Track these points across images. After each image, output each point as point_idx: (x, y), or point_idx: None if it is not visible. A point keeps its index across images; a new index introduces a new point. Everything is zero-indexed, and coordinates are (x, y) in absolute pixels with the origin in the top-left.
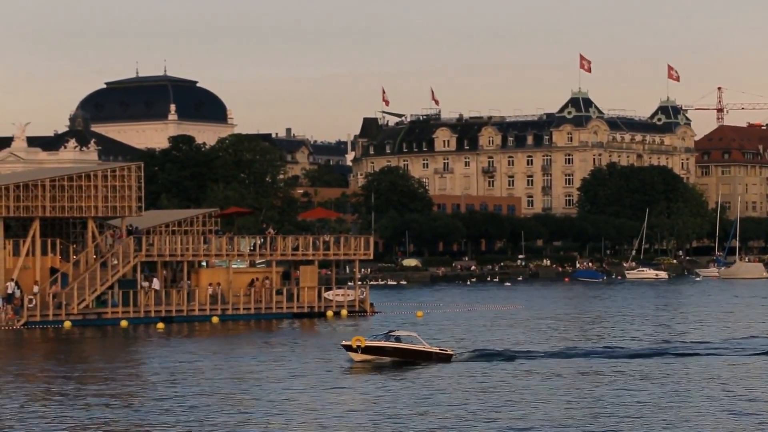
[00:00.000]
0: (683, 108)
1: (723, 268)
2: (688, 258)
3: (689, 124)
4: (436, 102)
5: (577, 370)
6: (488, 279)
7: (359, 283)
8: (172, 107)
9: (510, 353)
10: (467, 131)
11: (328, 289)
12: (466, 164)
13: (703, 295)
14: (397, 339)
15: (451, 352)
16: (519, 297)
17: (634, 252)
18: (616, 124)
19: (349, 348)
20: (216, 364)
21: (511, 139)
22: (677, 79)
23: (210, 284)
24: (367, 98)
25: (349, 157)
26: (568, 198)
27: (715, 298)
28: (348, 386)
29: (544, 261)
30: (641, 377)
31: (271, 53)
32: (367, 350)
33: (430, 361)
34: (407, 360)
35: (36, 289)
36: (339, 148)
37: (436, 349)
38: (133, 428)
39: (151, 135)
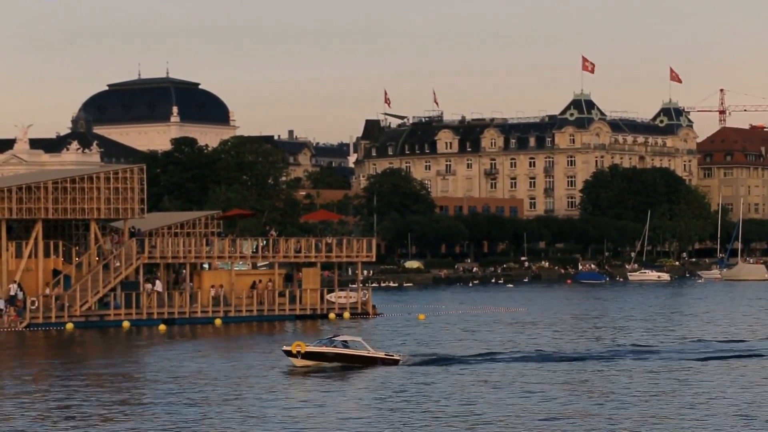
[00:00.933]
0: (685, 110)
1: (725, 270)
2: (690, 260)
3: (691, 126)
4: (437, 104)
5: (520, 374)
6: (492, 281)
7: (362, 285)
8: (175, 109)
9: (459, 358)
10: (469, 133)
11: (331, 291)
12: (469, 166)
13: (696, 298)
14: (345, 343)
15: (398, 358)
16: (521, 299)
17: (633, 254)
18: (618, 125)
19: (289, 353)
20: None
21: (513, 140)
22: (679, 80)
23: (212, 286)
24: (369, 100)
25: (352, 159)
26: (570, 200)
27: (706, 300)
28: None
29: (542, 263)
30: (580, 382)
31: (273, 55)
32: (307, 356)
33: (376, 366)
34: (351, 365)
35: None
36: (341, 149)
37: (381, 354)
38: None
39: (153, 137)
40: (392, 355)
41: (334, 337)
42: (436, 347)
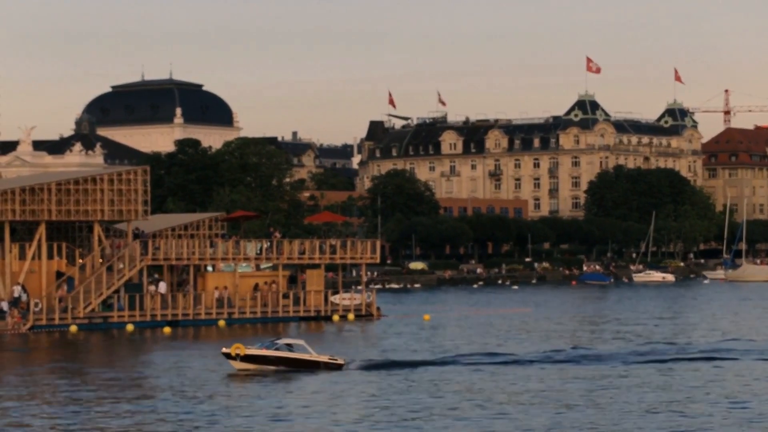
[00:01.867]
0: (690, 110)
1: (729, 271)
2: (695, 261)
3: (696, 127)
4: (443, 104)
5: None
6: (499, 282)
7: (366, 286)
8: (178, 111)
9: (406, 362)
10: (474, 134)
11: (335, 292)
12: (473, 167)
13: (696, 300)
14: (289, 347)
15: (342, 362)
16: (526, 300)
17: (634, 255)
18: (622, 126)
19: (228, 356)
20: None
21: (517, 141)
22: (681, 81)
23: (216, 288)
24: (374, 101)
25: (356, 160)
26: (575, 201)
27: (703, 302)
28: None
29: (543, 264)
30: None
31: (277, 56)
32: (246, 359)
33: (318, 370)
34: (293, 369)
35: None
36: (345, 151)
37: (324, 358)
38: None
39: (156, 138)
40: (336, 359)
41: (276, 339)
42: (410, 351)
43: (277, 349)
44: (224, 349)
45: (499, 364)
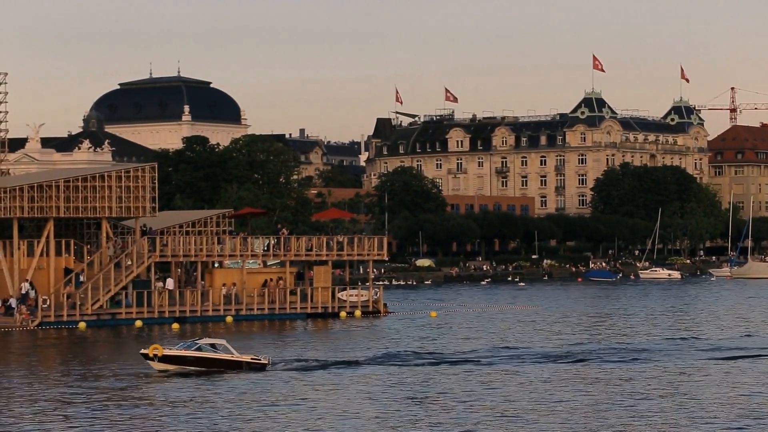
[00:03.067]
0: (696, 108)
1: (735, 268)
2: (702, 258)
3: (702, 124)
4: (455, 99)
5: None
6: (509, 279)
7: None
8: (186, 108)
9: (331, 362)
10: (481, 131)
11: (342, 289)
12: (480, 164)
13: (695, 298)
14: (212, 346)
15: (265, 362)
16: (532, 297)
17: (638, 252)
18: (629, 124)
19: (146, 356)
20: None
21: (524, 139)
22: (685, 77)
23: (224, 284)
24: (381, 98)
25: (363, 157)
26: (581, 198)
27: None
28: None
29: (549, 260)
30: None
31: (285, 54)
32: (165, 359)
33: (241, 370)
34: (215, 369)
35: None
36: (352, 148)
37: (247, 358)
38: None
39: (164, 136)
40: (259, 359)
41: (197, 339)
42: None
43: (198, 348)
44: (142, 350)
45: (435, 363)
